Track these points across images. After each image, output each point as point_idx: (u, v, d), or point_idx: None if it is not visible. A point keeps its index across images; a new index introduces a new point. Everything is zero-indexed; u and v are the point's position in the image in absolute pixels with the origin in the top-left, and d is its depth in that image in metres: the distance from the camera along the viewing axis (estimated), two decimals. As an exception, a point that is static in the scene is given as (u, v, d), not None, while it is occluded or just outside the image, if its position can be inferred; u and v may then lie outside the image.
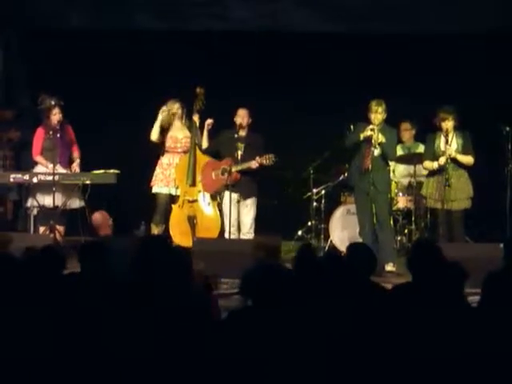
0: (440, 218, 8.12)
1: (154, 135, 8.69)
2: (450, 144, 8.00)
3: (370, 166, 8.00)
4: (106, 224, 8.51)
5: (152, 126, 8.76)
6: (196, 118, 8.67)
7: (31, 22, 10.15)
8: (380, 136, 7.95)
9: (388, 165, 8.32)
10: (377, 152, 7.99)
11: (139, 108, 9.39)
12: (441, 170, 7.99)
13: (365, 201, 8.15)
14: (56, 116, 8.63)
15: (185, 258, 4.42)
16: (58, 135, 8.61)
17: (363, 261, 4.74)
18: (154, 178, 8.75)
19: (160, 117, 8.68)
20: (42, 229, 8.68)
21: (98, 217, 8.50)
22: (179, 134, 8.76)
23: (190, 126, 8.72)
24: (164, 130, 8.72)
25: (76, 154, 8.90)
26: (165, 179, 8.72)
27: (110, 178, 8.62)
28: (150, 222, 8.96)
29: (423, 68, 9.81)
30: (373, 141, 7.93)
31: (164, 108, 8.71)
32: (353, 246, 5.05)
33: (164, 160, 8.78)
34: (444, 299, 4.12)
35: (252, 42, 10.02)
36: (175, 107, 8.73)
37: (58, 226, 8.57)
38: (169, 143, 8.75)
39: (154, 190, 8.75)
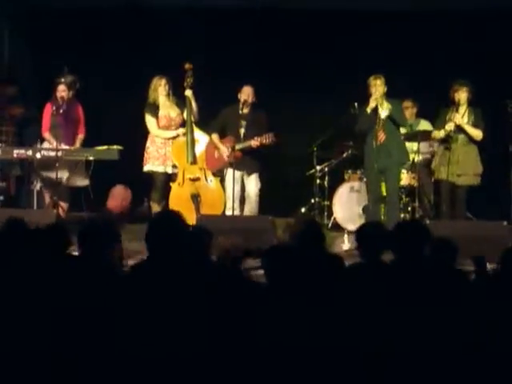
0: (444, 195, 8.13)
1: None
2: (462, 116, 8.01)
3: (384, 138, 7.99)
4: (122, 199, 8.38)
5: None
6: (189, 93, 8.64)
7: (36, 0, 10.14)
8: (385, 103, 7.97)
9: (401, 133, 8.30)
10: (384, 114, 7.98)
11: (141, 85, 9.35)
12: (448, 138, 8.01)
13: (374, 179, 8.15)
14: (59, 93, 8.65)
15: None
16: (61, 111, 8.61)
17: (376, 239, 4.72)
18: (146, 156, 8.68)
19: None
20: (46, 196, 8.70)
21: (119, 188, 8.31)
22: (172, 113, 8.71)
23: (179, 103, 8.68)
24: (156, 109, 8.70)
25: (80, 135, 8.90)
26: (160, 157, 8.65)
27: (112, 155, 8.57)
28: (150, 201, 8.95)
29: (425, 46, 9.76)
30: (379, 107, 7.94)
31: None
32: (366, 225, 5.04)
33: (158, 138, 8.70)
34: (437, 274, 4.13)
35: (254, 19, 9.97)
36: (162, 83, 8.66)
37: (61, 203, 8.57)
38: (163, 122, 8.67)
39: (148, 168, 8.65)
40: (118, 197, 7.93)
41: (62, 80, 8.67)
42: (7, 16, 10.19)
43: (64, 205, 8.65)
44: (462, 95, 8.02)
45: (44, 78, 9.53)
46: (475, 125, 8.04)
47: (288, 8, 9.94)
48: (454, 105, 8.08)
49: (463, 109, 8.06)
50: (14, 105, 9.55)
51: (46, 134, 8.77)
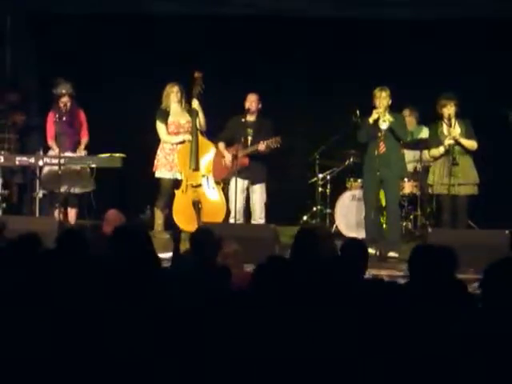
0: (445, 203, 8.12)
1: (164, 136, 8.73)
2: (453, 127, 8.01)
3: (385, 149, 8.00)
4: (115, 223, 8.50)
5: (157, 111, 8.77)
6: (195, 102, 8.66)
7: (40, 6, 10.14)
8: (387, 115, 7.98)
9: (401, 147, 8.30)
10: (385, 125, 7.98)
11: (144, 92, 9.37)
12: (447, 153, 7.99)
13: (374, 186, 8.15)
14: (63, 104, 8.66)
15: None
16: (64, 119, 8.61)
17: (355, 258, 4.73)
18: (156, 163, 8.75)
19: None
20: (53, 207, 8.75)
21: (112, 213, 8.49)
22: (181, 119, 8.74)
23: (190, 110, 8.71)
24: (166, 115, 8.73)
25: (84, 139, 8.91)
26: (168, 164, 8.71)
27: (115, 162, 8.60)
28: (154, 207, 8.96)
29: (425, 53, 9.78)
30: (380, 119, 7.95)
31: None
32: (348, 243, 5.04)
33: (166, 145, 8.76)
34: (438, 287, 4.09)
35: (260, 26, 9.99)
36: (174, 90, 8.69)
37: (70, 209, 8.69)
38: (171, 128, 8.72)
39: (157, 174, 8.76)
40: (113, 221, 8.07)
41: (64, 92, 8.66)
42: (10, 23, 10.20)
43: (72, 212, 8.73)
44: (451, 110, 8.01)
45: (46, 85, 9.54)
46: (468, 136, 8.05)
47: (291, 16, 9.96)
48: (441, 119, 8.07)
49: (453, 121, 8.05)
50: (16, 112, 9.57)
51: (51, 142, 8.79)
